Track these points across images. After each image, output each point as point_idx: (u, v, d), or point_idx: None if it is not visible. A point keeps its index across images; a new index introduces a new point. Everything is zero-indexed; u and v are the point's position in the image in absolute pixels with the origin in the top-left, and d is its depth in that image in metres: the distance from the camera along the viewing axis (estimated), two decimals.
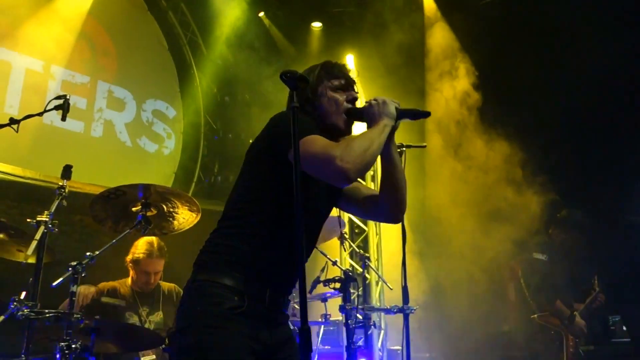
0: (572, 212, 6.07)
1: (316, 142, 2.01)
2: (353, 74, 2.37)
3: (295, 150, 1.84)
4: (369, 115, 2.17)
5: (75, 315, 3.26)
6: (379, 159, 2.19)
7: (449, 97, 7.86)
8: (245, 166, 2.22)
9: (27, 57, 7.25)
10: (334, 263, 4.53)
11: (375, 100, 2.18)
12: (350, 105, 2.28)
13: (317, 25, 8.82)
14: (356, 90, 2.35)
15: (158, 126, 8.71)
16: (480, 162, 7.14)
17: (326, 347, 5.51)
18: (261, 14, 8.89)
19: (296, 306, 4.92)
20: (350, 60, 9.11)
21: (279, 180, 2.07)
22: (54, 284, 3.24)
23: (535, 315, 5.77)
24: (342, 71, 2.34)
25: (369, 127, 2.15)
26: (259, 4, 8.80)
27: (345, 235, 4.95)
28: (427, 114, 2.19)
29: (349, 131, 2.29)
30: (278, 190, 2.09)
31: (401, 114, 2.18)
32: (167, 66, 9.07)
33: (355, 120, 2.28)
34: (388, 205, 2.29)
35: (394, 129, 2.16)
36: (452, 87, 7.83)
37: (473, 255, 6.66)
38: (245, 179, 2.20)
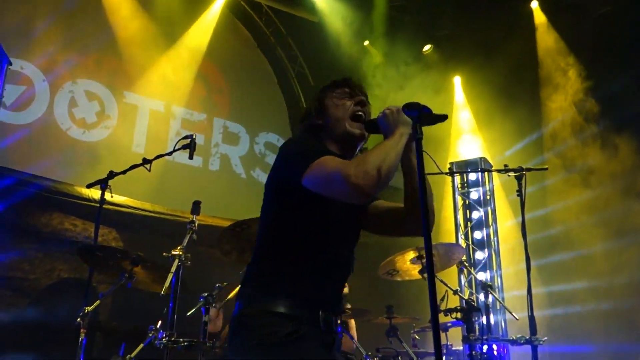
0: None
1: (328, 163, 1.95)
2: (361, 89, 2.29)
3: (421, 185, 1.80)
4: (383, 125, 2.07)
5: (207, 344, 3.41)
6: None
7: (564, 107, 7.54)
8: (267, 196, 2.18)
9: (150, 99, 7.83)
10: (455, 292, 4.42)
11: (389, 109, 2.08)
12: (358, 108, 2.21)
13: (427, 48, 8.79)
14: (365, 99, 2.26)
15: (270, 158, 9.02)
16: (604, 174, 6.76)
17: None
18: (366, 43, 9.01)
19: (416, 336, 4.85)
20: (457, 82, 9.03)
21: (300, 204, 2.04)
22: (188, 313, 3.42)
23: None
24: (345, 81, 2.29)
25: (385, 138, 2.05)
26: (364, 33, 8.92)
27: (465, 263, 4.83)
28: (444, 117, 2.05)
29: (363, 136, 2.21)
30: (304, 214, 2.06)
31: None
32: (276, 99, 9.42)
33: (373, 133, 2.20)
34: (413, 216, 2.17)
35: (414, 138, 2.00)
36: (566, 96, 7.50)
37: (604, 279, 6.25)
38: (269, 209, 2.15)
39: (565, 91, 7.68)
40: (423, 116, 2.00)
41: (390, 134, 2.03)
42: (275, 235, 2.10)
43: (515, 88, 7.52)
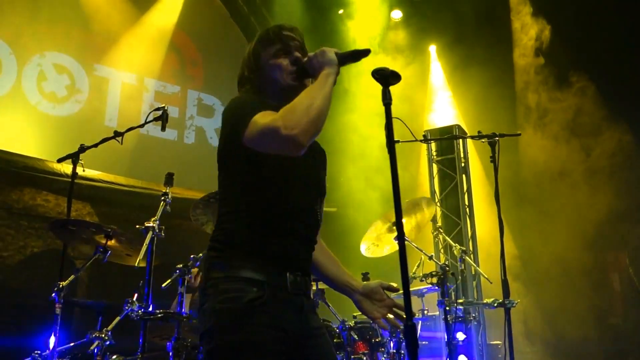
0: None
1: (259, 121, 1.91)
2: (296, 36, 2.23)
3: (390, 156, 1.79)
4: (311, 69, 2.06)
5: (184, 315, 3.42)
6: None
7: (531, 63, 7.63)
8: (220, 161, 2.14)
9: (122, 71, 7.68)
10: (430, 258, 4.48)
11: (314, 52, 2.07)
12: (294, 67, 2.16)
13: (397, 16, 8.74)
14: (300, 51, 2.21)
15: None
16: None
17: (424, 342, 5.45)
18: (340, 12, 8.92)
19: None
20: (432, 51, 9.02)
21: (252, 165, 2.01)
22: (163, 285, 3.41)
23: None
24: (277, 36, 2.21)
25: (313, 81, 2.03)
26: (339, 1, 8.83)
27: (440, 229, 4.89)
28: (367, 52, 2.04)
29: (303, 85, 2.15)
30: (256, 173, 2.02)
31: (342, 59, 2.05)
32: None
33: (306, 78, 2.16)
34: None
35: (336, 75, 2.01)
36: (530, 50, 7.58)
37: (574, 234, 6.39)
38: (225, 175, 2.12)
39: (526, 45, 7.77)
40: (346, 55, 2.03)
41: (316, 76, 2.00)
42: (234, 197, 2.06)
43: (488, 54, 7.53)
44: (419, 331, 5.07)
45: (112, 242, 3.85)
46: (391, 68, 2.00)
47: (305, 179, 2.16)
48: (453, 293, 5.06)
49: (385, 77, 1.97)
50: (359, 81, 6.77)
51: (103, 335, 3.48)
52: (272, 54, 2.19)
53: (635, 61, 6.70)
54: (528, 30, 7.75)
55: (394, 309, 2.17)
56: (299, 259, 2.08)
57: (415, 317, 4.97)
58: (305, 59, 2.10)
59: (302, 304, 2.04)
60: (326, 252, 2.32)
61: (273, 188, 2.03)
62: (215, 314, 1.92)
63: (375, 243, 4.71)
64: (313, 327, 2.06)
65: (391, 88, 1.98)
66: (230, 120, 2.03)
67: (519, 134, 4.56)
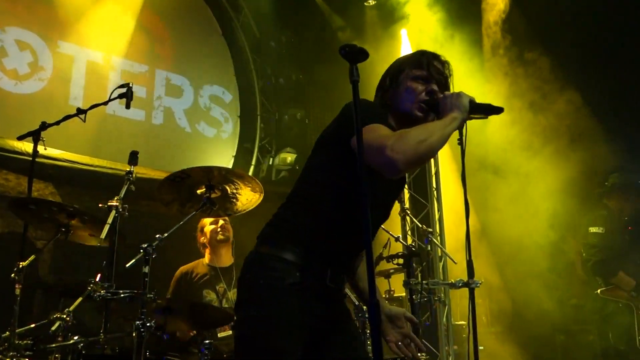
0: (621, 175, 5.82)
1: (374, 131, 1.97)
2: (445, 70, 2.28)
3: (357, 133, 1.79)
4: (441, 107, 2.12)
5: (148, 295, 3.38)
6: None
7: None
8: (317, 148, 2.23)
9: (87, 49, 7.49)
10: (397, 239, 4.51)
11: (449, 92, 2.14)
12: (426, 98, 2.22)
13: (370, 1, 8.71)
14: (441, 86, 2.26)
15: (215, 111, 8.84)
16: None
17: None
18: None
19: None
20: (403, 35, 9.02)
21: (345, 166, 2.07)
22: (128, 265, 3.36)
23: (599, 291, 5.60)
24: (427, 62, 2.26)
25: (438, 119, 2.10)
26: None
27: (407, 211, 4.92)
28: (500, 110, 2.14)
29: (425, 120, 2.21)
30: (344, 177, 2.08)
31: (474, 109, 2.11)
32: (221, 51, 9.17)
33: (435, 113, 2.21)
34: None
35: (463, 122, 2.10)
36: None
37: (538, 219, 6.51)
38: (315, 161, 2.21)
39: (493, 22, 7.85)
40: (480, 106, 2.11)
41: (443, 116, 2.06)
42: (312, 188, 2.16)
43: (459, 33, 7.58)
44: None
45: (74, 222, 3.77)
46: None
47: (381, 198, 2.25)
48: (419, 274, 5.11)
49: (353, 54, 1.98)
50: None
51: (65, 316, 3.42)
52: (414, 76, 2.24)
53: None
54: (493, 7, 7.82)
55: (408, 339, 2.33)
56: (344, 260, 2.22)
57: (382, 297, 5.01)
58: (441, 95, 2.14)
59: (337, 298, 2.20)
60: (360, 262, 2.43)
61: (351, 194, 2.06)
62: (257, 287, 2.06)
63: None
64: (340, 319, 2.21)
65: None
66: (350, 116, 2.02)
67: (486, 117, 4.58)
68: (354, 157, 1.96)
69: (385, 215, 2.36)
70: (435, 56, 2.29)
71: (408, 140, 1.91)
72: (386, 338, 2.33)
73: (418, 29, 8.58)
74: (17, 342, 3.35)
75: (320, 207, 2.12)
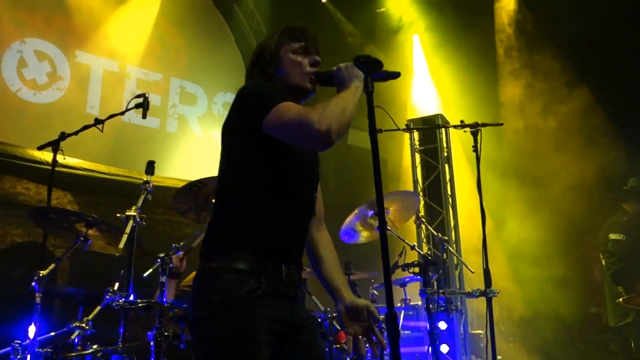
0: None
1: (289, 110, 1.95)
2: (316, 41, 2.27)
3: (372, 142, 1.80)
4: (338, 79, 2.07)
5: (165, 305, 3.40)
6: None
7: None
8: (224, 146, 2.14)
9: (103, 59, 7.58)
10: (413, 247, 4.48)
11: (344, 64, 2.09)
12: (314, 69, 2.21)
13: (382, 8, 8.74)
14: (319, 55, 2.25)
15: None
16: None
17: (406, 332, 5.49)
18: (324, 0, 8.88)
19: (375, 292, 4.93)
20: (415, 40, 9.02)
21: (261, 152, 2.04)
22: (145, 275, 3.39)
23: (620, 299, 5.52)
24: (303, 35, 2.25)
25: (339, 91, 2.05)
26: None
27: (422, 219, 4.90)
28: (396, 75, 2.08)
29: (315, 91, 2.23)
30: (264, 163, 2.05)
31: (374, 78, 2.06)
32: (234, 58, 9.24)
33: (324, 85, 2.20)
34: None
35: (367, 92, 2.02)
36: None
37: (554, 224, 6.46)
38: (231, 157, 2.12)
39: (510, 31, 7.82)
40: (374, 71, 2.03)
41: (346, 87, 2.02)
42: (233, 185, 2.08)
43: (471, 44, 7.56)
44: (401, 320, 5.11)
45: (92, 231, 3.80)
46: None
47: (306, 171, 2.20)
48: (435, 283, 5.08)
49: (368, 65, 1.99)
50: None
51: (84, 325, 3.45)
52: (294, 49, 2.22)
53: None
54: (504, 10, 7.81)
55: (369, 333, 2.19)
56: (294, 251, 2.13)
57: (398, 306, 5.00)
58: (335, 68, 2.11)
59: (295, 296, 2.09)
60: (330, 250, 2.36)
61: (278, 179, 2.05)
62: (212, 303, 1.95)
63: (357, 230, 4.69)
64: (302, 318, 2.10)
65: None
66: (251, 102, 2.04)
67: (502, 124, 4.56)
68: (268, 139, 1.95)
69: (315, 181, 2.26)
70: (304, 28, 2.29)
71: (332, 111, 1.90)
72: (345, 330, 2.24)
73: (428, 35, 8.59)
74: (37, 350, 3.38)
75: (254, 203, 2.04)
